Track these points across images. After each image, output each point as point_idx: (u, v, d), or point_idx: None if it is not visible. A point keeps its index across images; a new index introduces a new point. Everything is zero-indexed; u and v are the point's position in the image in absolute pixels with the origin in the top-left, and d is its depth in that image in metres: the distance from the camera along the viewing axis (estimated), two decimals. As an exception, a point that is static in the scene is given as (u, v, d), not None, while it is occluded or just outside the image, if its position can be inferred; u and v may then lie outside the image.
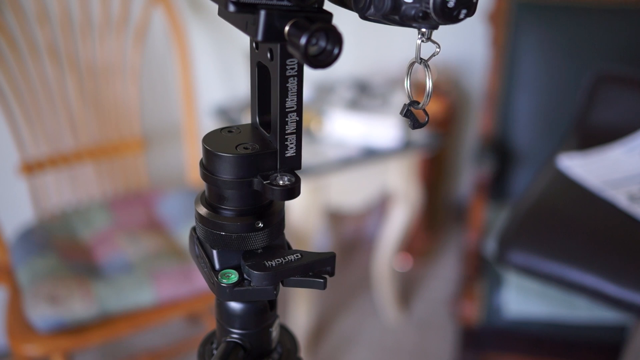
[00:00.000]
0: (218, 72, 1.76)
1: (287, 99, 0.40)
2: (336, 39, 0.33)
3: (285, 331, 0.51)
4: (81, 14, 1.34)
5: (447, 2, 0.34)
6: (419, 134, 1.58)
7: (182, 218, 1.39)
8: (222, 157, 0.41)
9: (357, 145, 1.48)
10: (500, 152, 1.71)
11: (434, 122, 1.86)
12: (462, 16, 0.35)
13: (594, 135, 1.29)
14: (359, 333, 1.82)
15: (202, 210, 0.43)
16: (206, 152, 0.42)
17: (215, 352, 0.47)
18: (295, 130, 0.41)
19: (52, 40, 1.32)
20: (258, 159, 0.41)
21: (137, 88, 1.45)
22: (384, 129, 1.49)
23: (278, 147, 0.41)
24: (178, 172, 1.73)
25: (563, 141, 1.38)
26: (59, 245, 1.28)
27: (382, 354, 1.75)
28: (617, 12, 1.63)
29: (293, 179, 0.41)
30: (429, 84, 0.39)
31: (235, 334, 0.45)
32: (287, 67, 0.39)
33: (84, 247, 1.32)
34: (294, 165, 0.42)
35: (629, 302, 0.90)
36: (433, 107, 1.89)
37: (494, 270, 1.43)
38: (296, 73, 0.39)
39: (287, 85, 0.39)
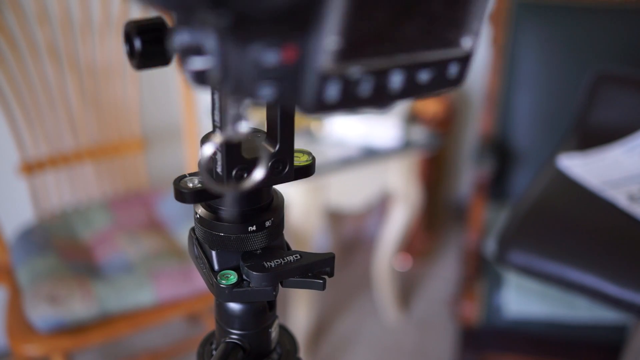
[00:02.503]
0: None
1: (214, 110, 0.38)
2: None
3: (284, 331, 0.51)
4: (81, 14, 1.34)
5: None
6: (419, 134, 1.58)
7: (182, 218, 1.39)
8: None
9: (357, 145, 1.48)
10: (500, 152, 1.71)
11: (434, 122, 1.86)
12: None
13: (594, 135, 1.29)
14: (359, 333, 1.82)
15: (201, 211, 0.43)
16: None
17: (214, 352, 0.47)
18: (220, 149, 0.38)
19: (52, 40, 1.32)
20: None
21: (137, 88, 1.45)
22: (384, 128, 1.49)
23: None
24: (178, 172, 1.72)
25: (563, 141, 1.38)
26: (59, 245, 1.28)
27: (382, 354, 1.75)
28: (617, 12, 1.63)
29: (201, 185, 0.39)
30: None
31: (235, 334, 0.45)
32: None
33: (84, 247, 1.32)
34: (222, 182, 0.39)
35: (629, 302, 0.90)
36: (433, 107, 1.89)
37: (494, 270, 1.43)
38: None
39: (214, 96, 0.38)
